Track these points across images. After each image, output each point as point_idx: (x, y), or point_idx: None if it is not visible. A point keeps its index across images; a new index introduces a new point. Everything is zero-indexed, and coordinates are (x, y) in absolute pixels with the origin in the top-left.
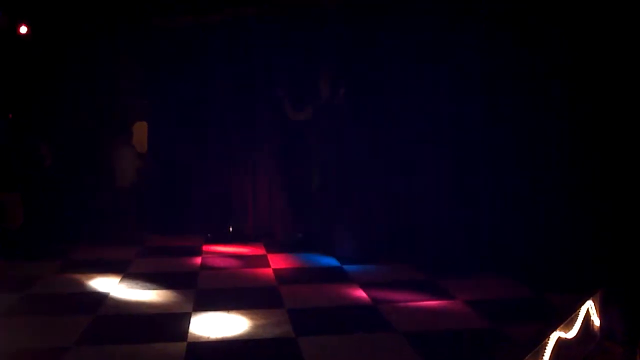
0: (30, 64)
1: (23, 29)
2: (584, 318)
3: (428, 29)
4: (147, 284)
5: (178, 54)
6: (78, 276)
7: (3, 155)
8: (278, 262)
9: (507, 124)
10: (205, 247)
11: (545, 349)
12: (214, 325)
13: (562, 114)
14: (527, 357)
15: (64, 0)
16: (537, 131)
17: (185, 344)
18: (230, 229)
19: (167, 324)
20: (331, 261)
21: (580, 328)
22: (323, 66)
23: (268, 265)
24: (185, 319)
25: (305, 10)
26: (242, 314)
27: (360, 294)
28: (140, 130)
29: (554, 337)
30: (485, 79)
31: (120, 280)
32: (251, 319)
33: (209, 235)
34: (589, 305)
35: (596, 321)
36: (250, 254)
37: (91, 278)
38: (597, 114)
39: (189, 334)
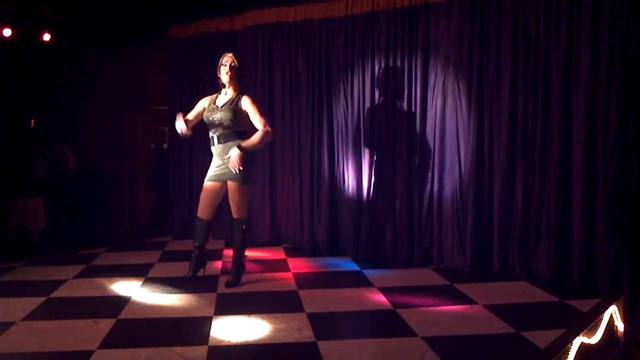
0: (53, 70)
1: (46, 36)
2: (607, 323)
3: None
4: (168, 288)
5: (199, 60)
6: (100, 280)
7: (27, 160)
8: (298, 266)
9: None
10: (225, 252)
11: (568, 354)
12: (235, 329)
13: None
14: None
15: (85, 8)
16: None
17: (206, 347)
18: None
19: (188, 328)
20: (351, 265)
21: (603, 333)
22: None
23: (288, 269)
24: (206, 323)
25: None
26: (263, 318)
27: (380, 298)
28: (161, 137)
29: (577, 342)
30: None
31: (142, 285)
32: (272, 323)
33: (229, 240)
34: (613, 310)
35: (620, 326)
36: (270, 258)
37: (113, 282)
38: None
39: (210, 338)
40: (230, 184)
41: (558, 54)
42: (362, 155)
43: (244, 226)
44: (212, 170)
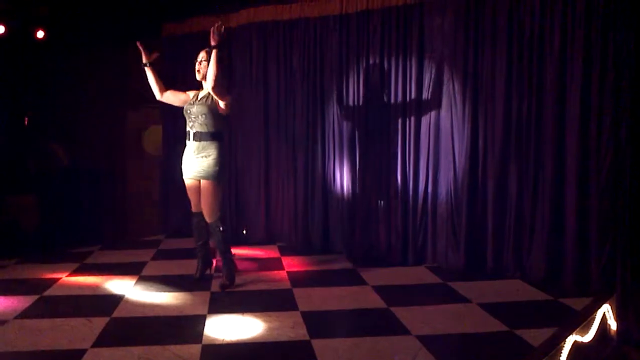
0: (47, 68)
1: (40, 34)
2: (600, 321)
3: None
4: (162, 286)
5: (193, 59)
6: (94, 278)
7: (19, 158)
8: (292, 264)
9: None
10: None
11: (561, 352)
12: (229, 327)
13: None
14: None
15: (79, 6)
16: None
17: (200, 346)
18: (244, 231)
19: (182, 326)
20: (345, 263)
21: (596, 331)
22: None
23: (282, 268)
24: (200, 321)
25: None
26: (257, 316)
27: (374, 296)
28: (155, 135)
29: (570, 340)
30: None
31: (136, 283)
32: (265, 321)
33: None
34: (606, 309)
35: (613, 325)
36: (264, 256)
37: (107, 280)
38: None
39: (203, 337)
40: (204, 183)
41: (552, 54)
42: (356, 154)
43: (219, 227)
44: (188, 168)
